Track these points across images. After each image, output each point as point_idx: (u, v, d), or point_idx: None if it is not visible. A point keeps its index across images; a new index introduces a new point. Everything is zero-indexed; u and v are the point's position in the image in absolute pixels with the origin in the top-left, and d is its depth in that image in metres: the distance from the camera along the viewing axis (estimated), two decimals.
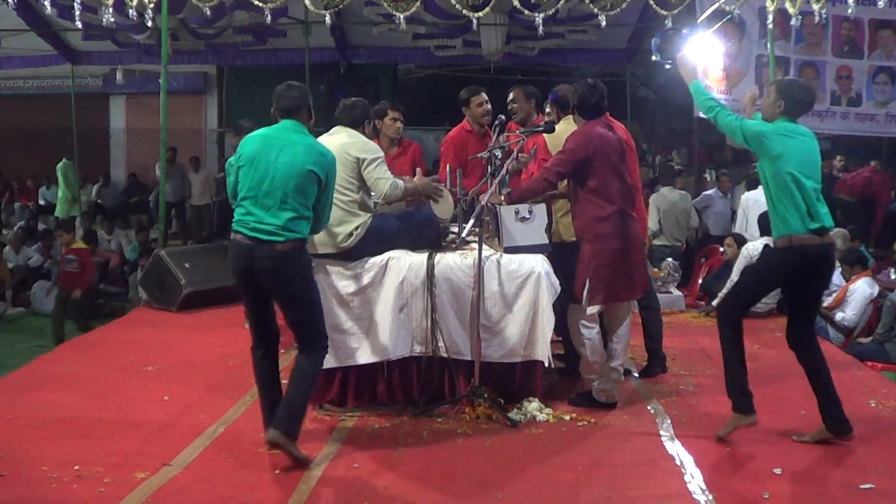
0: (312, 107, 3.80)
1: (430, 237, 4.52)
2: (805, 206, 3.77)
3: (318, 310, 3.80)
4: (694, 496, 3.31)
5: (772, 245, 4.02)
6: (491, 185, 4.51)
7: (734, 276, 6.92)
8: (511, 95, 5.40)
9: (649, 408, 4.41)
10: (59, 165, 12.80)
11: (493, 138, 4.98)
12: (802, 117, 3.96)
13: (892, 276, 7.42)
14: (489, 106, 5.60)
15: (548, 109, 5.11)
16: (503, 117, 5.02)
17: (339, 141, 4.27)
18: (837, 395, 3.85)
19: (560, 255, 4.65)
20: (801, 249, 3.79)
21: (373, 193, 4.34)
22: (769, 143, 3.83)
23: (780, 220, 3.84)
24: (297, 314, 3.76)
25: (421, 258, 4.32)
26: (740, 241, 7.36)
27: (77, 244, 8.49)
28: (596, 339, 4.36)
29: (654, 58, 4.97)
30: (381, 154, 4.32)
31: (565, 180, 4.45)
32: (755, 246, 6.92)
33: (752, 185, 8.23)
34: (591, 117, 4.38)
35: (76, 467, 3.51)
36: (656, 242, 7.91)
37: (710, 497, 3.29)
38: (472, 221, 4.49)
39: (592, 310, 4.31)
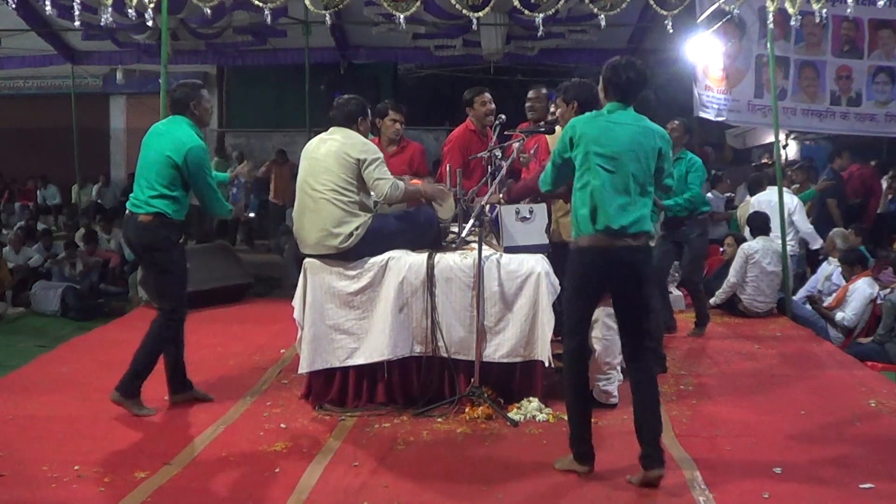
0: (193, 102, 4.29)
1: (430, 237, 4.52)
2: (593, 203, 3.33)
3: (174, 281, 4.31)
4: (694, 496, 3.31)
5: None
6: (491, 186, 4.51)
7: (730, 276, 6.94)
8: (532, 94, 5.46)
9: None
10: None
11: (493, 138, 4.98)
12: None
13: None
14: (493, 105, 5.63)
15: (553, 108, 5.10)
16: (503, 117, 5.03)
17: (337, 142, 4.29)
18: (658, 429, 3.39)
19: (560, 255, 4.64)
20: (588, 252, 3.38)
21: (372, 194, 4.35)
22: (570, 133, 3.42)
23: (573, 218, 3.44)
24: (154, 281, 4.44)
25: (421, 258, 4.32)
26: (740, 240, 7.37)
27: None
28: (613, 340, 4.35)
29: None
30: (381, 154, 4.33)
31: None
32: (751, 246, 6.95)
33: (753, 187, 8.24)
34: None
35: (76, 467, 3.52)
36: (652, 244, 7.91)
37: (710, 497, 3.29)
38: (472, 221, 4.49)
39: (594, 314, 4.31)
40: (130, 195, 4.33)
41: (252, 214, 12.57)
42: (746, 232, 7.59)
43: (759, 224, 7.09)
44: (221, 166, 12.23)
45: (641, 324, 3.48)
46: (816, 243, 7.63)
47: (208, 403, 4.46)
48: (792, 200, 7.49)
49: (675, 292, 7.33)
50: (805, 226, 7.60)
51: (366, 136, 4.44)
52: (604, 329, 4.30)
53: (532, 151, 4.87)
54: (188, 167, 4.17)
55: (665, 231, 6.30)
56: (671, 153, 3.55)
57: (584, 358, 3.56)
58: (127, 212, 4.34)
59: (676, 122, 6.23)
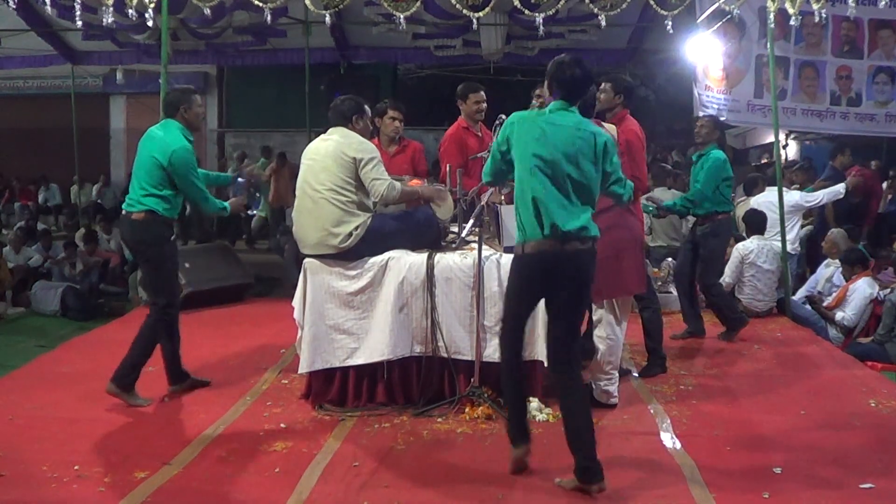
0: (182, 107, 4.53)
1: (430, 237, 4.52)
2: (537, 208, 3.30)
3: (166, 277, 4.53)
4: (694, 496, 3.31)
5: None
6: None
7: (725, 276, 6.92)
8: (540, 90, 5.43)
9: (649, 408, 4.41)
10: None
11: (494, 138, 4.98)
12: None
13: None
14: (484, 105, 5.64)
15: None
16: (503, 117, 5.02)
17: (335, 142, 4.30)
18: (592, 439, 3.31)
19: None
20: (533, 257, 3.35)
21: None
22: (509, 130, 3.41)
23: (518, 221, 3.42)
24: (148, 277, 4.70)
25: (421, 258, 4.32)
26: (740, 240, 7.37)
27: None
28: (619, 340, 4.34)
29: None
30: (378, 154, 4.33)
31: None
32: (745, 246, 6.94)
33: (748, 188, 8.25)
34: (588, 117, 4.37)
35: (76, 467, 3.52)
36: (652, 244, 7.91)
37: (710, 497, 3.29)
38: (472, 221, 4.49)
39: (597, 314, 4.31)
40: (126, 196, 4.55)
41: (252, 212, 12.56)
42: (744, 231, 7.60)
43: (755, 223, 7.09)
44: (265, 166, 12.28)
45: (574, 328, 3.44)
46: (840, 190, 7.69)
47: (208, 404, 4.46)
48: (793, 194, 7.54)
49: (675, 292, 7.32)
50: (818, 197, 7.67)
51: (365, 135, 4.44)
52: (608, 328, 4.30)
53: None
54: (173, 168, 4.38)
55: (689, 232, 6.28)
56: (616, 156, 3.47)
57: (519, 365, 3.51)
58: (123, 212, 4.57)
59: (706, 118, 6.17)
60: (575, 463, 3.31)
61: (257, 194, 12.56)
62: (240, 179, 5.23)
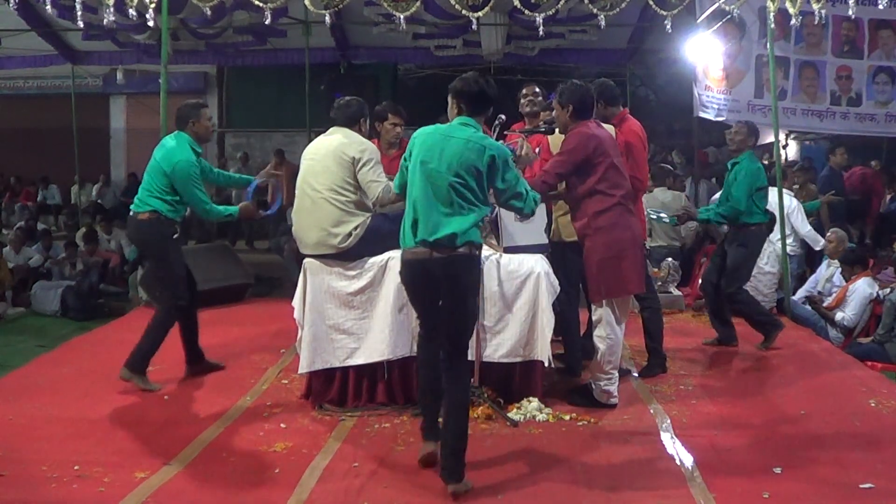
0: (196, 114, 4.86)
1: None
2: (415, 215, 3.41)
3: (169, 274, 4.81)
4: (694, 496, 3.31)
5: None
6: None
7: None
8: (527, 90, 5.41)
9: (649, 408, 4.41)
10: None
11: (493, 138, 4.97)
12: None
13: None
14: None
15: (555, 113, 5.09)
16: (503, 117, 5.01)
17: (336, 142, 4.29)
18: (454, 444, 3.37)
19: (560, 254, 4.64)
20: (408, 266, 3.48)
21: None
22: (415, 140, 3.52)
23: (401, 230, 3.53)
24: (154, 273, 5.18)
25: None
26: None
27: None
28: (619, 340, 4.35)
29: None
30: (377, 155, 4.31)
31: (564, 182, 4.44)
32: None
33: None
34: (587, 118, 4.38)
35: (76, 467, 3.52)
36: (651, 244, 7.91)
37: (710, 497, 3.29)
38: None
39: (597, 314, 4.32)
40: (134, 197, 4.86)
41: (271, 210, 12.42)
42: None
43: None
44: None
45: (461, 334, 3.49)
46: (819, 244, 7.55)
47: (208, 404, 4.46)
48: (791, 202, 7.47)
49: (675, 292, 7.34)
50: (804, 228, 7.51)
51: (366, 138, 4.44)
52: (607, 328, 4.30)
53: (537, 150, 4.85)
54: (175, 178, 4.69)
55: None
56: (511, 171, 3.49)
57: (436, 365, 3.54)
58: (130, 212, 4.89)
59: (740, 123, 5.97)
60: (440, 462, 3.41)
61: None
62: (256, 182, 5.30)
